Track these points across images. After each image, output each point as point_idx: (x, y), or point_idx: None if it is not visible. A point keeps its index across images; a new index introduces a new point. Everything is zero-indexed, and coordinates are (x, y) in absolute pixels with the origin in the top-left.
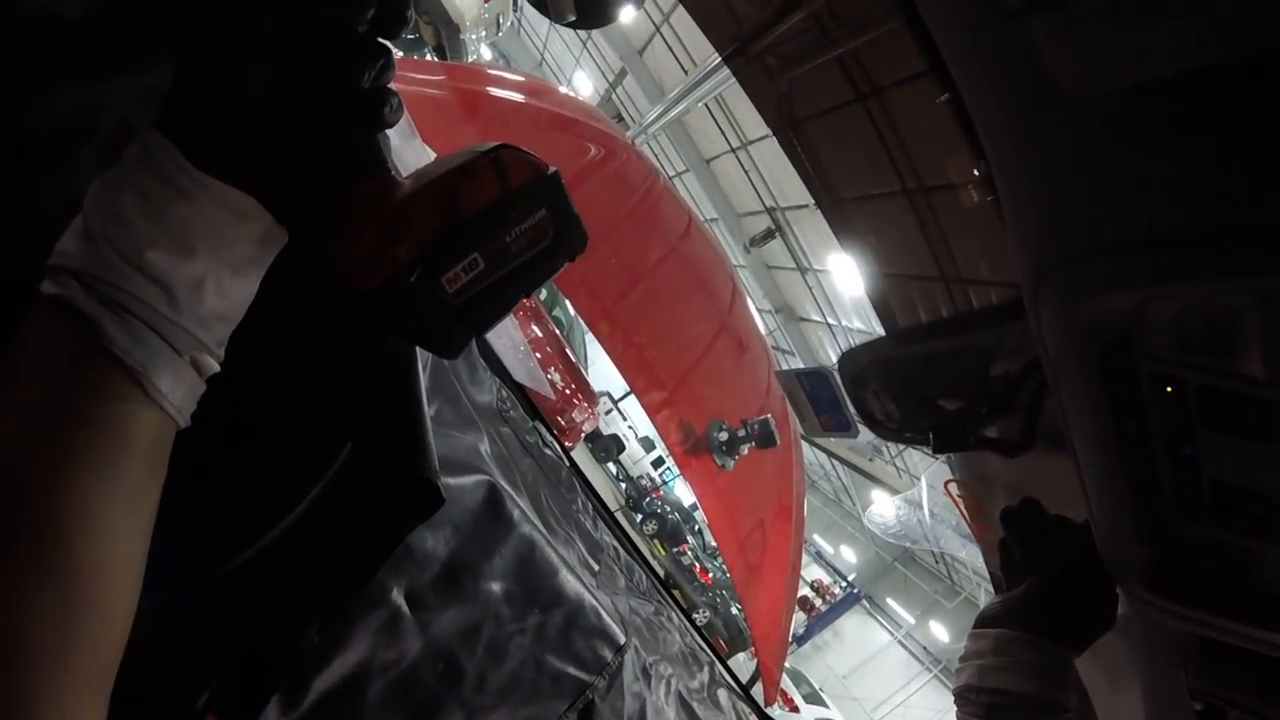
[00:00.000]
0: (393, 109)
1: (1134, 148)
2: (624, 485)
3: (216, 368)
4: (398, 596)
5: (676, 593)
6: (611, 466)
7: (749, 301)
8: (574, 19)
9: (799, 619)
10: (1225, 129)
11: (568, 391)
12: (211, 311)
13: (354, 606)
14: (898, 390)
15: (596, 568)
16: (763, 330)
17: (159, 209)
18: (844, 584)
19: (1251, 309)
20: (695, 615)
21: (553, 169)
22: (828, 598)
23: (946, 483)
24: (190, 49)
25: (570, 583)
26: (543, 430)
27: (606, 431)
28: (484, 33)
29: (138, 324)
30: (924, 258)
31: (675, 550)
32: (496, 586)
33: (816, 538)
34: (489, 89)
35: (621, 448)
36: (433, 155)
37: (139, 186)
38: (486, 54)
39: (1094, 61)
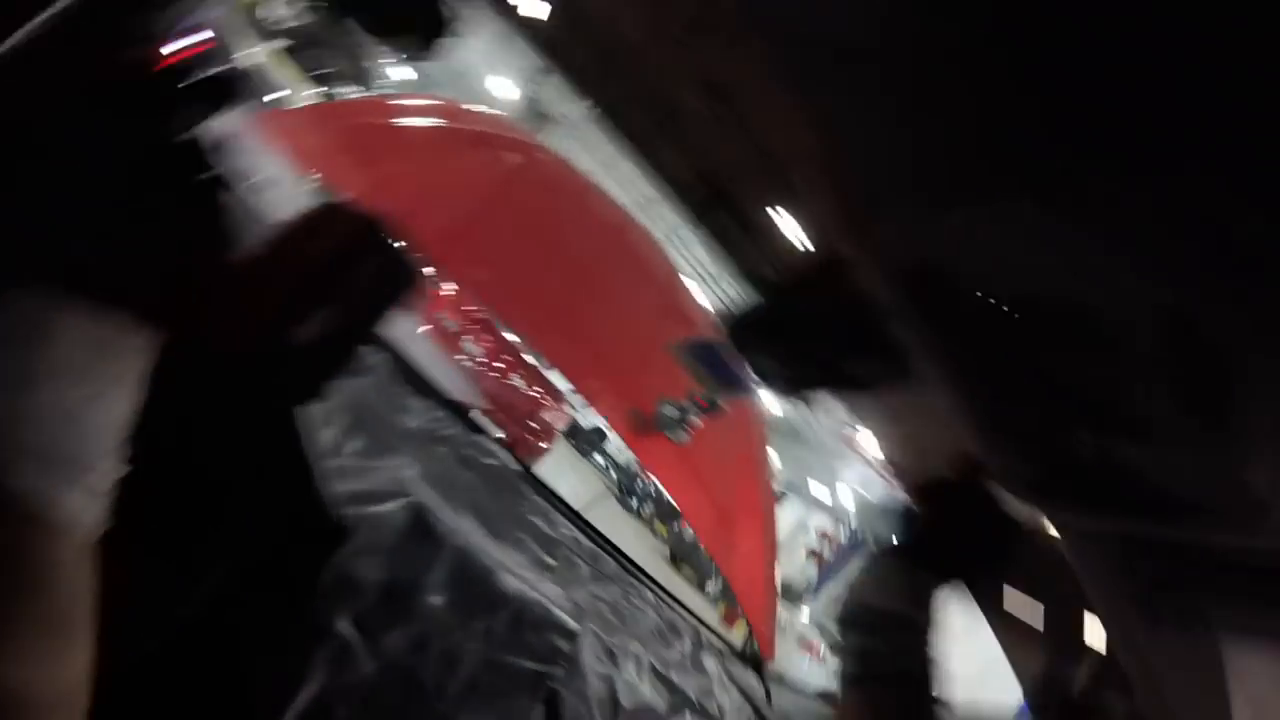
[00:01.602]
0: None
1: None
2: (613, 474)
3: (112, 477)
4: (344, 626)
5: (686, 566)
6: (598, 458)
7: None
8: (409, 51)
9: (811, 570)
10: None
11: (534, 394)
12: (94, 431)
13: (305, 643)
14: (782, 348)
15: (553, 563)
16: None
17: (23, 348)
18: (850, 531)
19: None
20: (708, 584)
21: (376, 214)
22: (835, 545)
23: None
24: None
25: (510, 583)
26: (484, 443)
27: (588, 425)
28: (391, 56)
29: (27, 465)
30: None
31: (675, 526)
32: (437, 599)
33: (811, 481)
34: (385, 122)
35: (604, 437)
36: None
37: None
38: (409, 74)
39: None
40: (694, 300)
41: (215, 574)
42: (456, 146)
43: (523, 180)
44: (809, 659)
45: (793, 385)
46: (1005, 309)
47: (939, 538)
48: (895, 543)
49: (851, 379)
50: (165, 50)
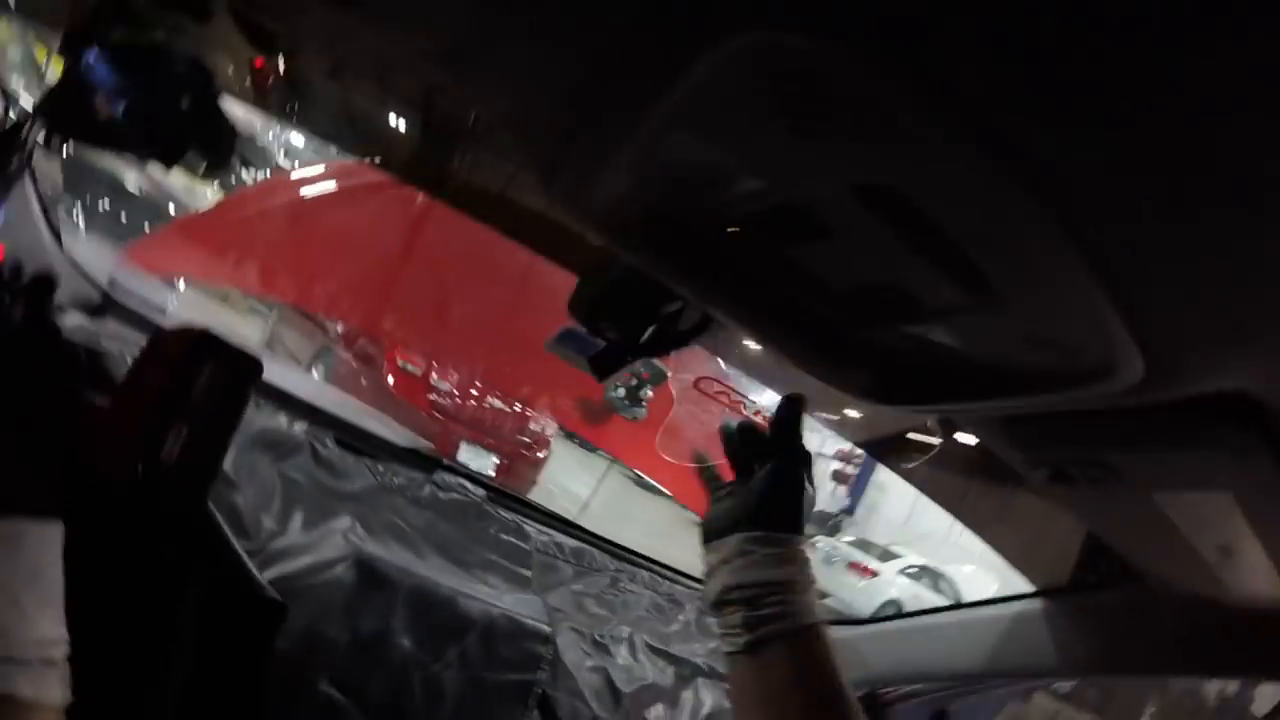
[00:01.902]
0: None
1: None
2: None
3: (64, 650)
4: (325, 686)
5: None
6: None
7: None
8: (204, 171)
9: (840, 492)
10: None
11: (516, 410)
12: (36, 617)
13: (292, 709)
14: (616, 317)
15: (527, 573)
16: None
17: None
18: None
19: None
20: None
21: (199, 328)
22: (855, 461)
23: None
24: None
25: (472, 606)
26: (443, 479)
27: None
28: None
29: None
30: None
31: None
32: (406, 640)
33: (818, 412)
34: (272, 204)
35: None
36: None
37: None
38: (298, 141)
39: None
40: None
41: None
42: (349, 205)
43: (407, 221)
44: (862, 579)
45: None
46: (734, 230)
47: (789, 507)
48: (756, 521)
49: (669, 336)
50: None
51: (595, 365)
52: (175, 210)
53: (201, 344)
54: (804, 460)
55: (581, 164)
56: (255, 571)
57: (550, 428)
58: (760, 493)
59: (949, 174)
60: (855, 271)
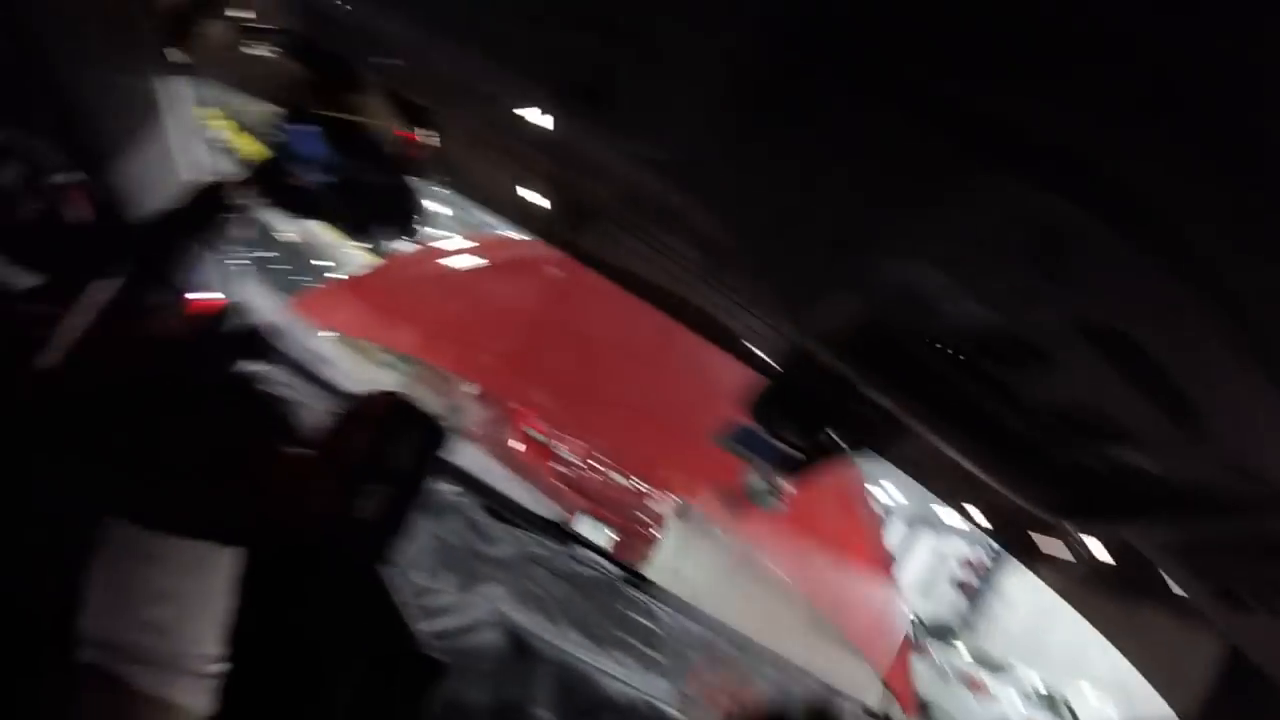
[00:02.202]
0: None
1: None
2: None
3: (218, 666)
4: None
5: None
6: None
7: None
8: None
9: (962, 601)
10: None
11: (638, 486)
12: (199, 633)
13: None
14: (795, 420)
15: (660, 658)
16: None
17: (139, 577)
18: (988, 548)
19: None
20: None
21: (398, 395)
22: (981, 571)
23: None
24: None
25: (613, 687)
26: (581, 554)
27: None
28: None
29: (149, 665)
30: None
31: None
32: (546, 714)
33: (935, 509)
34: (424, 274)
35: None
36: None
37: (118, 565)
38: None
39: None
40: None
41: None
42: (495, 280)
43: (561, 297)
44: (975, 696)
45: (812, 452)
46: (951, 352)
47: None
48: None
49: (852, 442)
50: (193, 309)
51: (785, 467)
52: (322, 261)
53: (402, 412)
54: None
55: (823, 292)
56: (419, 627)
57: (667, 507)
58: None
59: (1169, 313)
60: (1063, 395)
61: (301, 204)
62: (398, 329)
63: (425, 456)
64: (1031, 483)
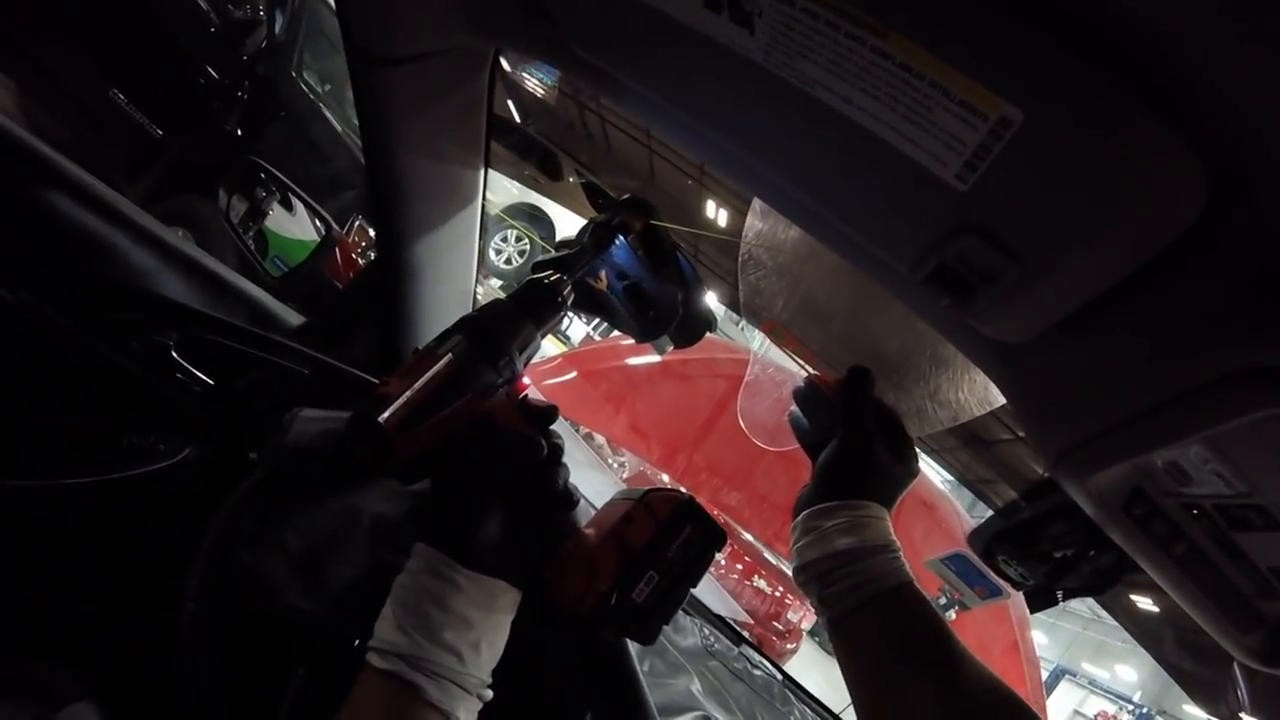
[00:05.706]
0: (574, 500)
1: (1066, 366)
2: None
3: (490, 695)
4: None
5: None
6: None
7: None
8: (672, 346)
9: None
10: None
11: (777, 594)
12: (485, 661)
13: None
14: (1020, 554)
15: None
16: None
17: (443, 601)
18: (1131, 706)
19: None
20: None
21: (686, 495)
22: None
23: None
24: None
25: None
26: (750, 653)
27: None
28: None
29: (444, 681)
30: None
31: None
32: None
33: (1086, 666)
34: (614, 364)
35: None
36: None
37: (426, 588)
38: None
39: (1011, 325)
40: (931, 482)
41: None
42: (674, 379)
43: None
44: None
45: (1034, 590)
46: (1209, 516)
47: (861, 470)
48: (815, 495)
49: (1081, 584)
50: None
51: (1031, 601)
52: None
53: (687, 509)
54: (870, 429)
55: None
56: (650, 702)
57: (807, 621)
58: (823, 465)
59: None
60: None
61: (597, 305)
62: (609, 414)
63: (702, 554)
64: (1239, 630)
